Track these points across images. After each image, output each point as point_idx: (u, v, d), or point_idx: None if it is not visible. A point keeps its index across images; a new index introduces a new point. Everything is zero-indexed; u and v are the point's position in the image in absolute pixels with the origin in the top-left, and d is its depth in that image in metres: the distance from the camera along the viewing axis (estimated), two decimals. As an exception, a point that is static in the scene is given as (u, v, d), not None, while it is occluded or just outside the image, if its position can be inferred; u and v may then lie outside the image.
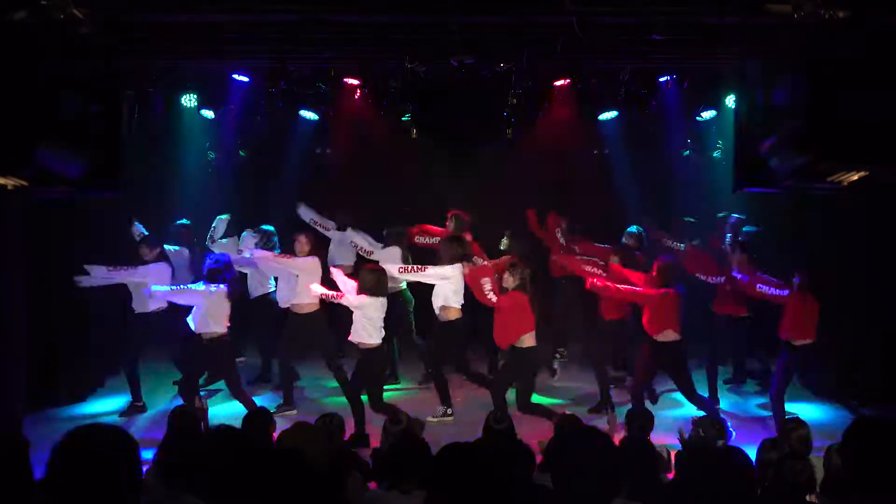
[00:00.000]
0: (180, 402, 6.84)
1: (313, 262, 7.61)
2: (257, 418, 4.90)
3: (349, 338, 6.97)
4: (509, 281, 6.78)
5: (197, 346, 6.85)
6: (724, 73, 8.46)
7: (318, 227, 8.72)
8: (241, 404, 6.89)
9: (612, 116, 9.60)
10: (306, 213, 8.82)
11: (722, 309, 8.00)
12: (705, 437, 4.85)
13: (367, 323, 6.84)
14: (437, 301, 7.49)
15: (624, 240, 8.52)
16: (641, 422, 5.32)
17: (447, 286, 7.39)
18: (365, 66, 8.51)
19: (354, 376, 7.05)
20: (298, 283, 7.54)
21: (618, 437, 5.39)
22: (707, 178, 9.92)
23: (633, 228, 8.78)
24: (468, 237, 8.36)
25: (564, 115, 9.78)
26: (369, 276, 6.87)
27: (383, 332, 7.01)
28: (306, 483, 3.45)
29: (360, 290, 6.83)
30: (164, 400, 7.83)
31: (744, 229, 8.75)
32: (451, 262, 7.38)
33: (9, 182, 6.28)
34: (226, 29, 6.61)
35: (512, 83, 8.55)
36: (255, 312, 8.35)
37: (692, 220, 9.14)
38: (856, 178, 6.62)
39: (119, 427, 2.45)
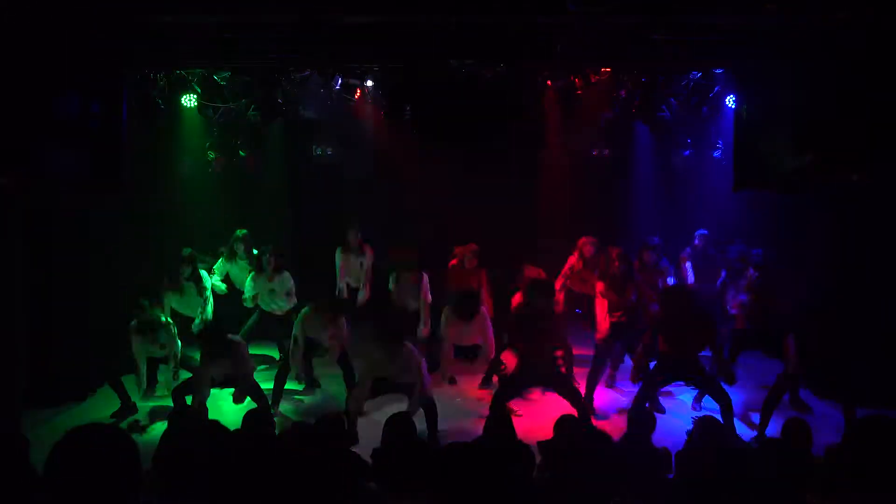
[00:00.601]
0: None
1: None
2: (257, 418, 4.89)
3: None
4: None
5: None
6: (724, 72, 8.46)
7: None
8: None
9: (614, 117, 9.62)
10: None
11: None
12: (706, 437, 4.83)
13: None
14: None
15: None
16: (642, 422, 5.31)
17: None
18: (365, 66, 8.51)
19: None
20: None
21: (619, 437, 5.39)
22: (707, 178, 9.94)
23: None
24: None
25: (564, 115, 9.79)
26: None
27: None
28: (306, 483, 3.45)
29: None
30: (158, 400, 7.82)
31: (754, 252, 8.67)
32: None
33: (9, 182, 6.29)
34: (226, 30, 6.60)
35: (512, 83, 8.55)
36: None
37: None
38: (856, 178, 6.64)
39: (118, 427, 2.45)
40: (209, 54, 7.26)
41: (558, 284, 8.57)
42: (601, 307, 7.60)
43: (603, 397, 7.82)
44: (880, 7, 5.92)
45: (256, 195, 10.35)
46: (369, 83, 9.10)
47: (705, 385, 6.97)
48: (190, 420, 5.17)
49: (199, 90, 9.15)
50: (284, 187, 10.63)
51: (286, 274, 8.26)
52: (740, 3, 6.08)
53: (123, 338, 7.51)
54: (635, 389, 7.05)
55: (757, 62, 6.84)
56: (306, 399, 8.00)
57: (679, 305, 6.72)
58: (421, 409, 6.62)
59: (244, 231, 8.82)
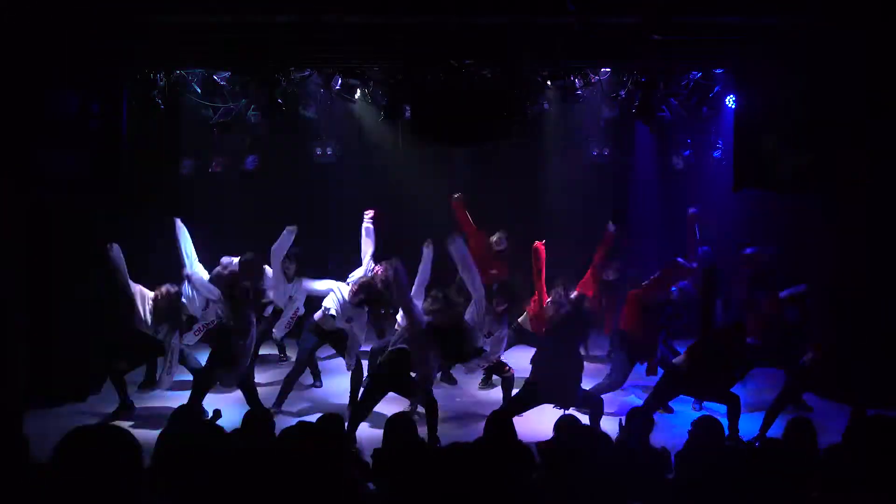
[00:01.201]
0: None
1: None
2: (258, 418, 4.89)
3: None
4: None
5: None
6: (724, 72, 8.46)
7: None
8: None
9: (614, 116, 9.61)
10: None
11: None
12: (706, 437, 4.84)
13: None
14: None
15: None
16: (641, 422, 5.31)
17: None
18: (364, 67, 8.51)
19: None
20: None
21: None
22: (707, 178, 9.94)
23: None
24: None
25: (565, 114, 9.80)
26: None
27: None
28: (306, 483, 3.45)
29: None
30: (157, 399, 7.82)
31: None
32: None
33: (9, 182, 6.30)
34: (226, 30, 6.61)
35: (512, 84, 8.54)
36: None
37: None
38: (855, 178, 6.65)
39: (120, 427, 2.45)
40: (209, 54, 7.26)
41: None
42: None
43: (603, 397, 7.80)
44: (880, 7, 5.93)
45: (256, 195, 10.34)
46: (369, 83, 9.09)
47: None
48: (189, 420, 5.16)
49: (199, 90, 9.14)
50: (284, 187, 10.61)
51: (304, 283, 8.08)
52: (740, 3, 6.09)
53: (124, 338, 7.51)
54: (634, 389, 7.08)
55: (757, 62, 6.84)
56: (306, 399, 8.00)
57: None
58: (421, 409, 6.62)
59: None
